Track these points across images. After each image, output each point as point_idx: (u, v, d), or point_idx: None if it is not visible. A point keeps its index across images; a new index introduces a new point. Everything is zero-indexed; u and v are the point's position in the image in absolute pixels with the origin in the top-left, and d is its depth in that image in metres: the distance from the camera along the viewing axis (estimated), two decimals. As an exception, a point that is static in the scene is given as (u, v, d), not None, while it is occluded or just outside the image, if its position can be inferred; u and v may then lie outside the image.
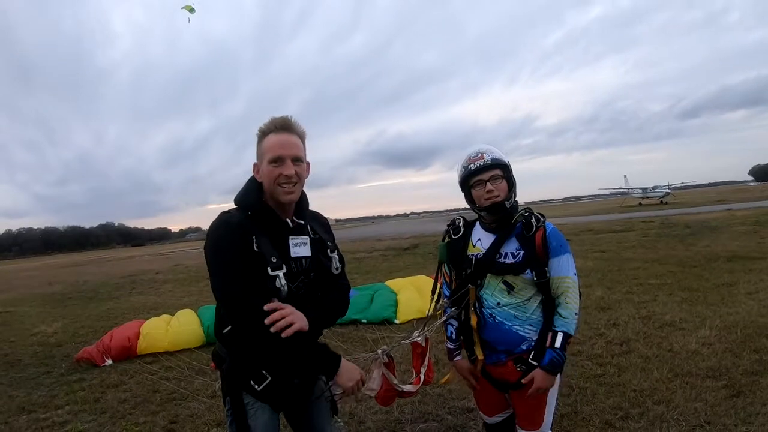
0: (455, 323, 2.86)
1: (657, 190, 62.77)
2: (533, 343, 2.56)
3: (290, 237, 2.27)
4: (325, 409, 2.54)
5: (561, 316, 2.50)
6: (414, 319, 7.91)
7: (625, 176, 75.29)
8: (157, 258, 45.82)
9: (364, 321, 8.10)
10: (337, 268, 2.44)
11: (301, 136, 2.26)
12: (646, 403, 4.36)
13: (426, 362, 2.97)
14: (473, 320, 2.76)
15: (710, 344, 5.65)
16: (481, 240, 2.69)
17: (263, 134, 2.23)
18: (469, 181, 2.62)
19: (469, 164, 2.60)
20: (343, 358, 2.27)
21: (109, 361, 7.25)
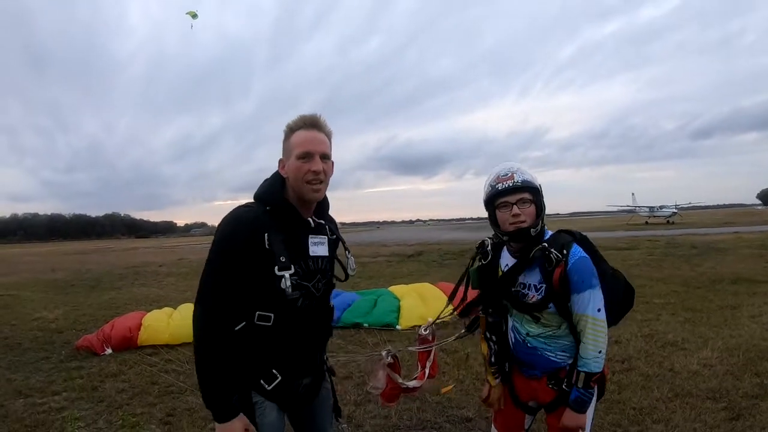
0: (494, 347, 2.73)
1: (664, 210, 62.53)
2: (569, 366, 2.47)
3: (310, 236, 2.26)
4: (328, 411, 2.54)
5: (581, 356, 2.38)
6: (416, 325, 7.87)
7: (633, 194, 75.06)
8: (161, 251, 45.91)
9: (366, 325, 8.09)
10: (353, 269, 2.45)
11: (329, 135, 2.26)
12: (645, 422, 4.34)
13: (431, 357, 2.96)
14: (484, 348, 2.72)
15: (711, 366, 5.62)
16: (509, 266, 2.55)
17: (291, 130, 2.22)
18: (494, 201, 2.44)
19: (497, 183, 2.41)
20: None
21: (109, 350, 7.27)
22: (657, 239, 26.45)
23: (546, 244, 2.40)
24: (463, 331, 2.85)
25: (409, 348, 3.10)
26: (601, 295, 2.39)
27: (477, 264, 2.67)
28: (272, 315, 2.15)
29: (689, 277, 12.65)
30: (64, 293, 15.35)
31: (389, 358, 2.89)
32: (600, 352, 2.35)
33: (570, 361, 2.47)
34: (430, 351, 2.97)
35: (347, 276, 2.46)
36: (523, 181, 2.38)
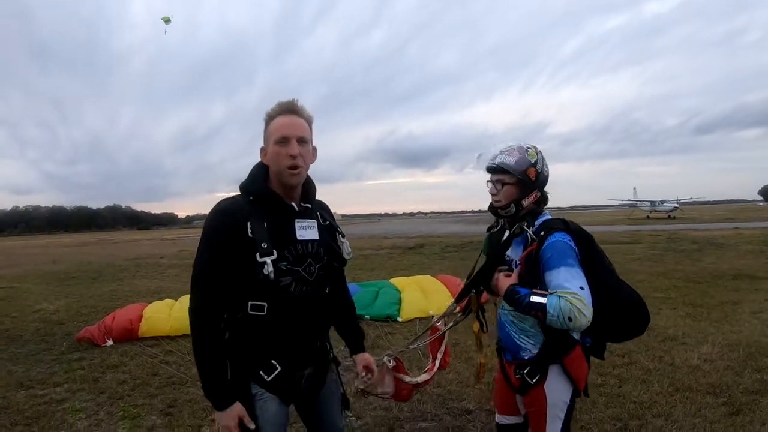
0: (485, 323, 2.84)
1: (665, 205, 62.52)
2: (534, 356, 2.49)
3: (296, 220, 2.26)
4: (337, 403, 2.53)
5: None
6: (417, 318, 7.89)
7: (634, 188, 75.06)
8: (162, 242, 46.00)
9: (367, 317, 8.09)
10: (349, 253, 2.46)
11: (308, 120, 2.27)
12: (646, 416, 4.35)
13: (443, 347, 2.97)
14: (475, 326, 2.76)
15: (712, 361, 5.63)
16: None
17: (270, 118, 2.24)
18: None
19: (485, 161, 2.58)
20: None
21: (110, 342, 7.29)
22: (658, 234, 26.48)
23: (526, 223, 2.47)
24: (459, 315, 2.87)
25: (411, 346, 3.11)
26: (583, 275, 2.29)
27: (490, 231, 2.79)
28: (265, 304, 2.16)
29: (690, 272, 12.65)
30: (65, 285, 15.37)
31: (392, 361, 2.89)
32: (569, 319, 2.18)
33: (534, 352, 2.48)
34: (441, 341, 2.97)
35: (343, 260, 2.45)
36: (500, 163, 2.49)
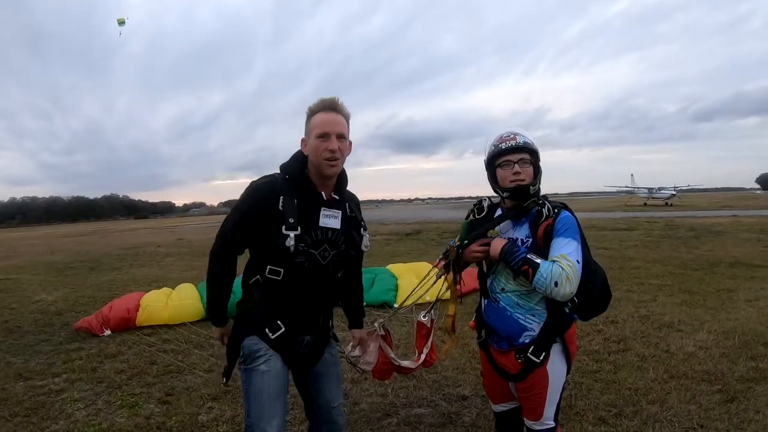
0: (460, 275, 2.87)
1: (663, 192, 62.56)
2: (536, 336, 2.55)
3: (323, 208, 2.48)
4: (335, 381, 2.72)
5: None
6: (414, 303, 7.89)
7: (631, 175, 75.02)
8: (160, 231, 45.97)
9: (363, 304, 8.11)
10: (367, 246, 2.74)
11: (346, 117, 2.50)
12: (641, 402, 4.38)
13: (429, 343, 2.98)
14: (449, 277, 2.82)
15: (707, 348, 5.66)
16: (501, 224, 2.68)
17: (312, 113, 2.45)
18: (496, 160, 2.59)
19: (501, 143, 2.56)
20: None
21: (108, 332, 7.29)
22: (655, 221, 26.53)
23: (541, 200, 2.59)
24: (442, 272, 2.89)
25: (399, 312, 3.11)
26: (581, 252, 2.45)
27: (471, 217, 2.81)
28: (282, 270, 2.42)
29: (687, 259, 12.68)
30: (63, 275, 15.35)
31: (381, 330, 2.94)
32: (555, 284, 2.32)
33: (538, 330, 2.55)
34: (428, 337, 2.99)
35: (360, 251, 2.71)
36: (525, 143, 2.54)
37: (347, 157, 2.54)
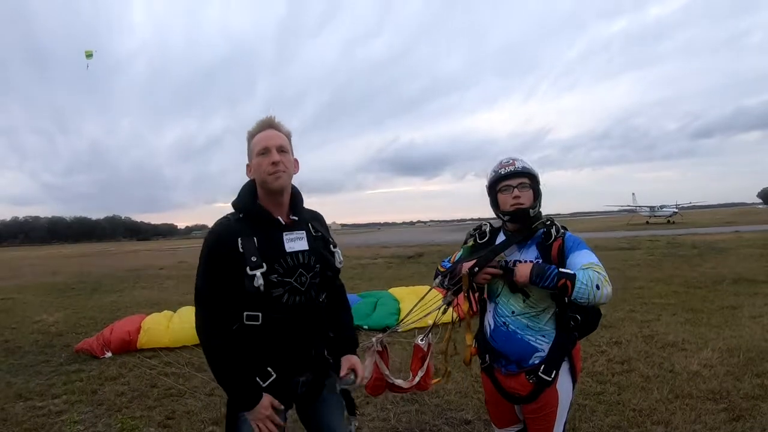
0: (475, 303, 2.85)
1: (664, 209, 62.59)
2: (545, 356, 2.57)
3: (284, 233, 2.39)
4: (338, 409, 2.60)
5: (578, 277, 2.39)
6: (416, 328, 7.86)
7: (633, 194, 75.15)
8: (161, 253, 45.97)
9: (365, 327, 8.08)
10: (340, 262, 2.62)
11: (287, 134, 2.45)
12: (645, 423, 4.33)
13: (425, 367, 2.96)
14: (464, 306, 2.77)
15: (712, 366, 5.61)
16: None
17: (252, 135, 2.42)
18: (497, 185, 2.67)
19: (500, 169, 2.66)
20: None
21: (109, 354, 7.26)
22: (657, 239, 26.48)
23: (548, 221, 2.65)
24: (450, 294, 2.86)
25: (398, 329, 3.09)
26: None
27: (471, 243, 2.85)
28: (260, 314, 2.30)
29: (690, 277, 12.63)
30: (64, 296, 15.34)
31: (378, 345, 2.92)
32: (597, 287, 2.34)
33: (546, 352, 2.57)
34: (423, 360, 2.97)
35: (335, 269, 2.60)
36: (523, 168, 2.62)
37: (294, 174, 2.47)
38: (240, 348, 2.31)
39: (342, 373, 2.55)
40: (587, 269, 2.39)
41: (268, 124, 2.41)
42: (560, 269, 2.42)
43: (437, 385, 3.72)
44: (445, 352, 2.97)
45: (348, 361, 2.61)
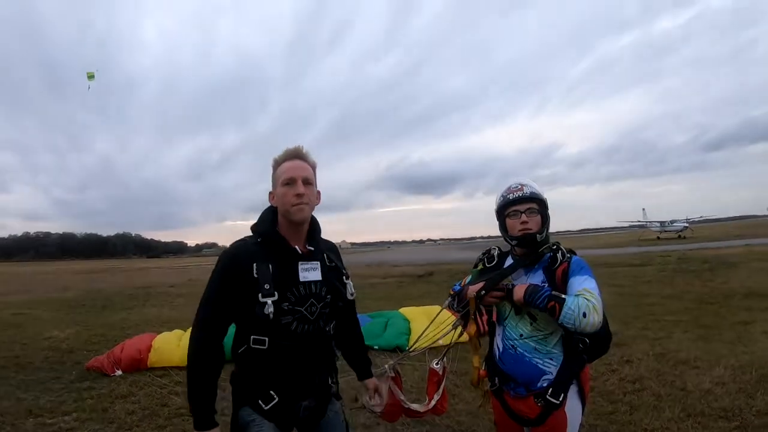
0: (482, 325, 2.85)
1: (675, 224, 62.26)
2: (553, 379, 2.57)
3: (300, 263, 2.40)
4: (340, 430, 2.60)
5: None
6: (427, 348, 7.82)
7: (643, 209, 74.87)
8: (172, 271, 46.09)
9: (376, 347, 8.06)
10: (352, 294, 2.63)
11: (312, 165, 2.46)
12: (657, 443, 4.30)
13: (441, 390, 2.96)
14: (471, 328, 2.76)
15: (724, 384, 5.56)
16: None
17: (278, 163, 2.43)
18: (505, 210, 2.71)
19: (509, 194, 2.70)
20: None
21: (119, 372, 7.29)
22: (668, 254, 26.24)
23: (555, 246, 2.68)
24: (459, 320, 2.86)
25: (411, 353, 3.09)
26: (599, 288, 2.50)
27: (480, 266, 2.87)
28: (266, 339, 2.31)
29: (701, 292, 12.54)
30: (75, 312, 15.42)
31: (391, 372, 2.92)
32: (584, 315, 2.35)
33: (554, 374, 2.57)
34: (439, 384, 2.97)
35: (347, 300, 2.61)
36: (531, 193, 2.67)
37: (315, 206, 2.48)
38: (244, 370, 2.38)
39: (368, 396, 2.72)
40: (579, 296, 2.41)
41: (296, 154, 2.42)
42: (552, 292, 2.44)
43: (449, 405, 3.71)
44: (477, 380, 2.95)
45: (371, 383, 2.81)
